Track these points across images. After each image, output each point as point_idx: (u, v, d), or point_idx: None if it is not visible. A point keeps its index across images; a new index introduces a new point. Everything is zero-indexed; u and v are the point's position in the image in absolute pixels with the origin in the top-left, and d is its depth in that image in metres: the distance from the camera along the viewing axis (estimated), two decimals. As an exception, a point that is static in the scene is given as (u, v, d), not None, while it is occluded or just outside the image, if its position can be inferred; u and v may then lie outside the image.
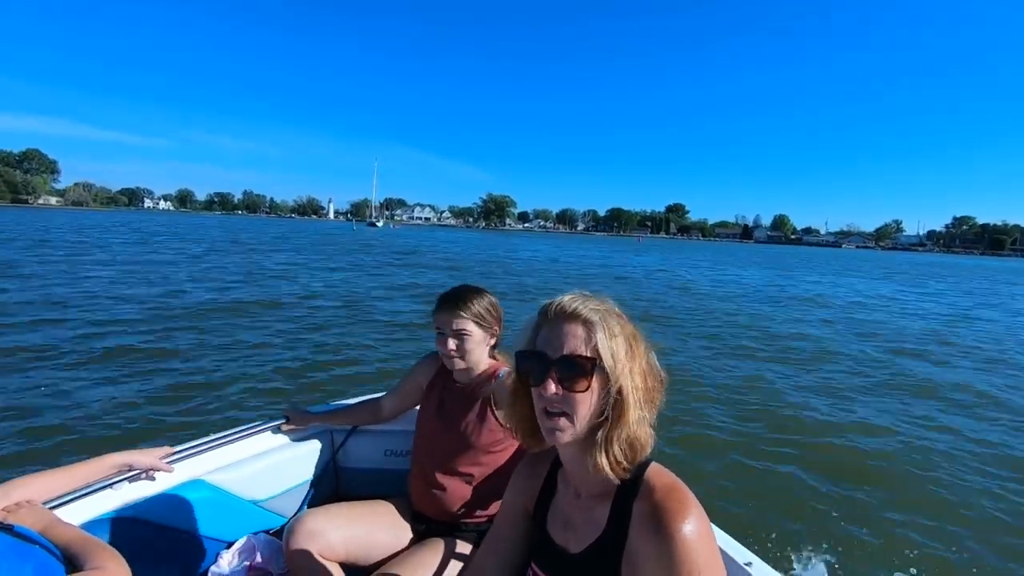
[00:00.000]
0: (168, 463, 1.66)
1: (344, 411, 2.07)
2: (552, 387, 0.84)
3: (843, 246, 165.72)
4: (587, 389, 0.83)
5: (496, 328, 1.74)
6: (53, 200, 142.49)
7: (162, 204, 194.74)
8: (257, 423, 2.01)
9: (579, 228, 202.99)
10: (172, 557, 1.61)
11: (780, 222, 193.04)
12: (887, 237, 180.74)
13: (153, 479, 1.61)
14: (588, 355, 0.83)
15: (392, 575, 1.50)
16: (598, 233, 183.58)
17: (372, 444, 2.12)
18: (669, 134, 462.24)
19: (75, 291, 10.50)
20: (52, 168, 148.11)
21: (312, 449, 2.04)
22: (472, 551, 1.64)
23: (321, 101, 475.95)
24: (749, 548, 1.39)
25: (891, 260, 68.22)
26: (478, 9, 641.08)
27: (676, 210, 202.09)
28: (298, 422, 2.02)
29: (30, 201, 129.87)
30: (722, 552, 1.08)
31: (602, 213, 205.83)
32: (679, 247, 79.83)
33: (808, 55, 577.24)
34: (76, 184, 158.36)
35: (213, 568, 1.65)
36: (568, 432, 0.85)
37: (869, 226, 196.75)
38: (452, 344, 1.66)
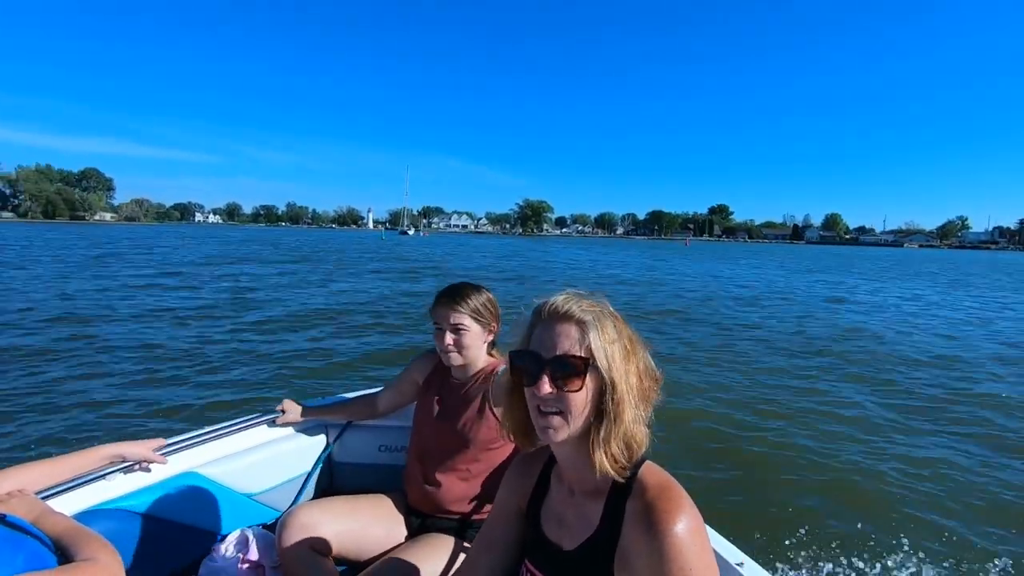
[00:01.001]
0: (161, 455, 1.66)
1: (339, 405, 2.06)
2: (546, 387, 0.84)
3: (905, 245, 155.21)
4: (580, 388, 0.84)
5: (494, 325, 1.74)
6: (108, 216, 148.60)
7: (211, 218, 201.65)
8: (252, 416, 1.98)
9: (618, 232, 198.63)
10: (165, 549, 1.60)
11: (832, 221, 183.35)
12: (952, 235, 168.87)
13: (146, 471, 1.61)
14: (582, 355, 0.84)
15: (385, 570, 1.49)
16: (638, 237, 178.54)
17: (367, 439, 2.11)
18: (710, 135, 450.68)
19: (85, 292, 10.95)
20: (108, 185, 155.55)
21: (307, 443, 2.04)
22: (466, 547, 1.61)
23: (361, 113, 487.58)
24: (740, 548, 1.39)
25: (977, 259, 62.53)
26: (513, 19, 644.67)
27: (720, 211, 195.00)
28: (293, 416, 1.99)
29: (86, 217, 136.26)
30: (713, 552, 1.05)
31: (641, 216, 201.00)
32: (728, 250, 75.58)
33: (859, 56, 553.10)
34: (131, 201, 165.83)
35: (206, 560, 1.63)
36: (562, 431, 0.86)
37: (929, 224, 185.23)
38: (450, 339, 1.66)
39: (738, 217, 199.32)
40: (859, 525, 3.24)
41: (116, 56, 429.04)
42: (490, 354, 1.78)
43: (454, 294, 1.68)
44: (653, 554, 0.78)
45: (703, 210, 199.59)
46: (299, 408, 2.02)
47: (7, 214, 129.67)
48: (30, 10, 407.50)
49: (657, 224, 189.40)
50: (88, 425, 4.15)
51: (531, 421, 0.91)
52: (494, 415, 1.66)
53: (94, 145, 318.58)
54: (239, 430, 1.91)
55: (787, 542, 3.05)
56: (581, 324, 0.86)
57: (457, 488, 1.69)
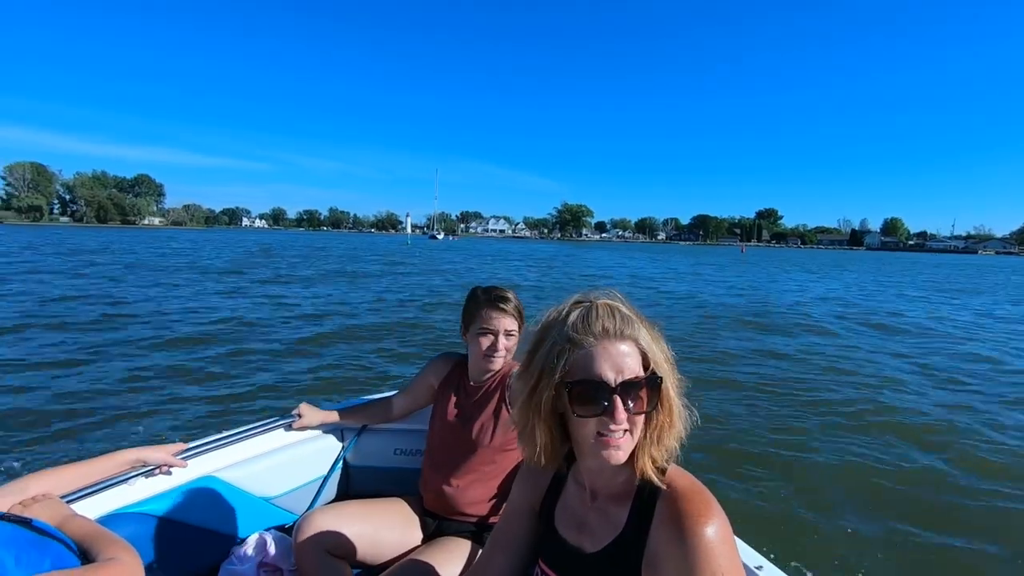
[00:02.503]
0: (181, 459, 1.68)
1: (355, 409, 2.05)
2: (621, 415, 0.80)
3: (980, 252, 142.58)
4: (648, 407, 0.83)
5: (524, 328, 1.75)
6: (156, 221, 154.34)
7: (258, 222, 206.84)
8: (268, 420, 1.99)
9: (660, 237, 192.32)
10: (184, 552, 1.63)
11: (892, 226, 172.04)
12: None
13: (166, 475, 1.64)
14: (646, 374, 0.82)
15: (402, 573, 1.49)
16: (682, 242, 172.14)
17: (382, 443, 2.12)
18: (754, 137, 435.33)
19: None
20: (159, 191, 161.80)
21: (323, 447, 2.05)
22: (482, 549, 1.63)
23: (402, 120, 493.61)
24: (759, 550, 1.39)
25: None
26: (554, 22, 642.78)
27: (768, 215, 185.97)
28: (309, 420, 1.99)
29: (136, 222, 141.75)
30: None
31: (685, 221, 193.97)
32: (791, 257, 68.95)
33: (919, 55, 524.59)
34: (182, 207, 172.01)
35: (225, 564, 1.66)
36: (626, 451, 0.83)
37: (1001, 229, 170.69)
38: (502, 343, 1.67)
39: (788, 222, 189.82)
40: (882, 532, 3.18)
41: (177, 69, 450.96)
42: None
43: (504, 299, 1.68)
44: (683, 558, 0.77)
45: (749, 214, 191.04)
46: (316, 412, 2.00)
47: (65, 219, 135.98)
48: (90, 27, 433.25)
49: (702, 229, 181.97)
50: (110, 429, 4.24)
51: (567, 443, 0.89)
52: (510, 417, 1.64)
53: (151, 154, 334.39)
54: (257, 434, 1.91)
55: (806, 546, 3.02)
56: (634, 340, 0.83)
57: (473, 490, 1.69)
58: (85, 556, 1.01)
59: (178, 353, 6.79)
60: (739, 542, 1.29)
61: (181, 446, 1.73)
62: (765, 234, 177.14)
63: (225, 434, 1.89)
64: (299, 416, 1.99)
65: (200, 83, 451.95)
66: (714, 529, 0.77)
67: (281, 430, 1.99)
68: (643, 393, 0.81)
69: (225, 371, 6.05)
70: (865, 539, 3.11)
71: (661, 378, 0.82)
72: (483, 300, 1.69)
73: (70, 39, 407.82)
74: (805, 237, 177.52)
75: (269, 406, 4.86)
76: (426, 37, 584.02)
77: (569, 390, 0.83)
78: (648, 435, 0.84)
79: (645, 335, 0.84)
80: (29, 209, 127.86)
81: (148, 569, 1.04)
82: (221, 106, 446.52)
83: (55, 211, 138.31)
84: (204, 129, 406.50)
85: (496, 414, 1.71)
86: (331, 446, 2.08)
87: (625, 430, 0.82)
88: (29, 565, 0.86)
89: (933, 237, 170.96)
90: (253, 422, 2.00)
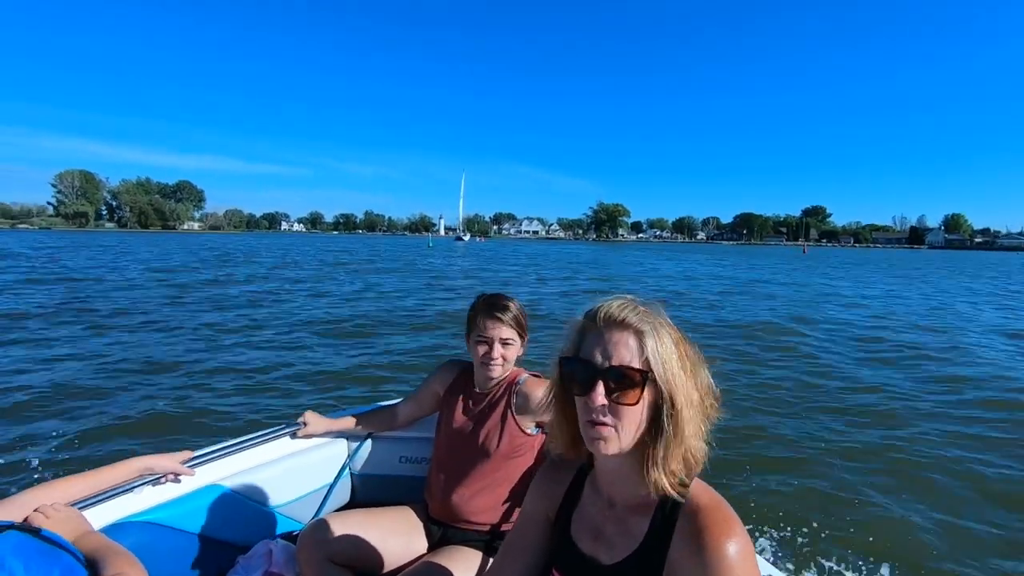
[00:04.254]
0: (187, 468, 1.69)
1: (360, 417, 2.05)
2: (600, 398, 0.80)
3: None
4: (637, 402, 0.81)
5: (526, 338, 1.75)
6: (196, 225, 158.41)
7: (296, 226, 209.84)
8: (274, 429, 1.99)
9: (699, 237, 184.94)
10: (190, 561, 1.64)
11: (954, 223, 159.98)
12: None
13: (173, 484, 1.65)
14: (639, 367, 0.80)
15: None
16: (725, 242, 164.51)
17: (387, 451, 2.12)
18: (798, 133, 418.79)
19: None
20: (199, 196, 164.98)
21: (328, 455, 2.05)
22: (488, 559, 1.63)
23: (437, 123, 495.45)
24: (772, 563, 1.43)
25: None
26: (585, 20, 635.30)
27: (815, 213, 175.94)
28: (314, 428, 1.99)
29: (176, 227, 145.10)
30: None
31: (725, 220, 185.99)
32: (854, 257, 62.81)
33: (973, 49, 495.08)
34: (224, 211, 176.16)
35: (230, 573, 1.66)
36: (613, 444, 0.82)
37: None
38: (497, 352, 1.66)
39: (838, 220, 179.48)
40: (898, 546, 3.09)
41: (229, 78, 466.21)
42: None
43: (502, 307, 1.67)
44: (704, 574, 0.76)
45: (793, 212, 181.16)
46: (321, 420, 2.00)
47: (110, 224, 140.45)
48: (144, 39, 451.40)
49: (746, 228, 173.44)
50: (114, 437, 4.27)
51: (579, 430, 0.88)
52: (517, 424, 1.67)
53: (200, 161, 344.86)
54: (262, 442, 1.91)
55: (819, 558, 2.95)
56: (639, 333, 0.82)
57: (479, 499, 1.68)
58: (92, 568, 1.01)
59: (171, 359, 6.72)
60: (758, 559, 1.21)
61: (188, 454, 1.72)
62: (813, 233, 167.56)
63: (231, 442, 1.87)
64: (304, 424, 1.97)
65: (249, 93, 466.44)
66: (736, 546, 0.76)
67: (287, 438, 1.97)
68: (631, 386, 0.80)
69: (219, 382, 5.90)
70: (889, 553, 2.98)
71: (651, 373, 0.80)
72: (481, 308, 1.69)
73: (129, 53, 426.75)
74: (859, 235, 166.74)
75: (274, 414, 4.81)
76: (463, 37, 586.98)
77: (562, 366, 0.87)
78: (656, 446, 0.82)
79: (657, 336, 0.82)
80: (75, 215, 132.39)
81: None
82: (266, 114, 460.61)
83: (103, 216, 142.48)
84: (250, 136, 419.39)
85: (503, 421, 1.69)
86: (336, 454, 2.07)
87: (609, 422, 0.81)
88: (38, 574, 0.88)
89: (999, 234, 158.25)
90: (258, 430, 1.98)
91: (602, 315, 0.84)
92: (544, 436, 1.72)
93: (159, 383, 5.76)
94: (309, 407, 2.13)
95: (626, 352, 0.81)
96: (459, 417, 1.77)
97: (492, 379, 1.72)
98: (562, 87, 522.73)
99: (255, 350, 7.50)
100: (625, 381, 0.80)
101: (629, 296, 0.87)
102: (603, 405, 0.80)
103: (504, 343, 1.66)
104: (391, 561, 1.64)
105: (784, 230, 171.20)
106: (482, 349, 1.67)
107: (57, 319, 9.31)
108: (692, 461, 0.83)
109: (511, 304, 1.69)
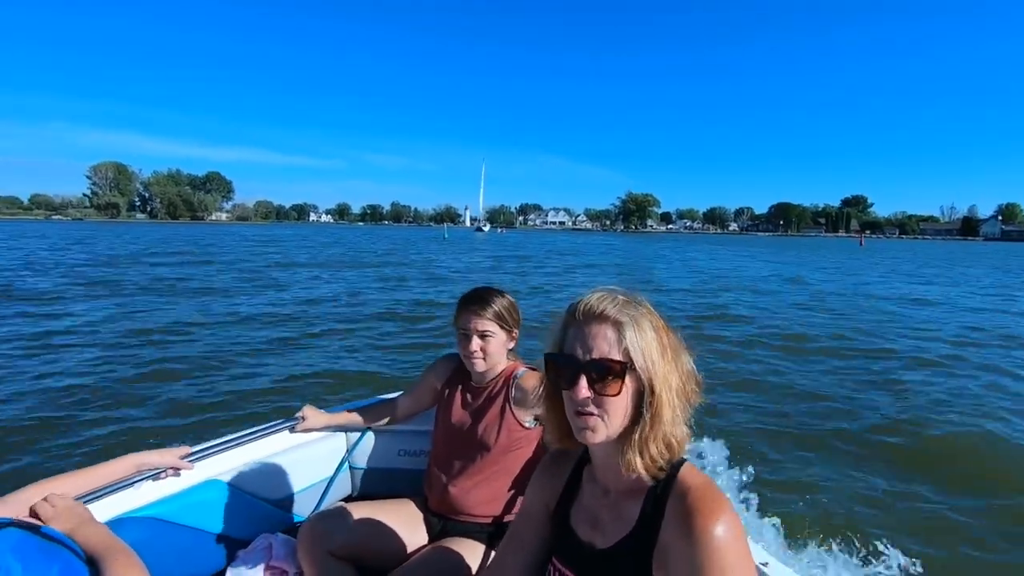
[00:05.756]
0: (187, 462, 1.69)
1: (359, 411, 2.05)
2: (584, 391, 0.83)
3: None
4: (619, 392, 0.83)
5: (515, 331, 1.75)
6: (223, 216, 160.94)
7: (324, 217, 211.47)
8: (272, 423, 2.00)
9: (731, 228, 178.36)
10: (190, 556, 1.65)
11: (1008, 212, 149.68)
12: None
13: (172, 479, 1.65)
14: (619, 358, 0.83)
15: (407, 574, 1.51)
16: (761, 233, 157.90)
17: (386, 444, 2.14)
18: (838, 120, 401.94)
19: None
20: (228, 188, 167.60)
21: (327, 449, 2.07)
22: (488, 551, 1.65)
23: (464, 113, 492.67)
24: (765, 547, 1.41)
25: None
26: (605, 3, 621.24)
27: (856, 203, 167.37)
28: (313, 422, 1.99)
29: (204, 218, 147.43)
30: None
31: (759, 210, 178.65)
32: (912, 250, 57.92)
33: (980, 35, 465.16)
34: (254, 203, 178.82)
35: (231, 567, 1.67)
36: (600, 433, 0.85)
37: None
38: (476, 345, 1.67)
39: (880, 211, 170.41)
40: (893, 531, 3.10)
41: (263, 70, 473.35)
42: (508, 358, 1.78)
43: (479, 300, 1.68)
44: (693, 554, 0.77)
45: (830, 202, 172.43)
46: (319, 414, 2.00)
47: (141, 215, 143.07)
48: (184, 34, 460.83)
49: (783, 218, 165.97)
50: (111, 433, 4.26)
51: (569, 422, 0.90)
52: (515, 418, 1.69)
53: (234, 154, 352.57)
54: (261, 437, 1.91)
55: (813, 543, 2.97)
56: (618, 325, 0.84)
57: (478, 491, 1.70)
58: (93, 564, 1.01)
59: (173, 356, 6.70)
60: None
61: (186, 449, 1.72)
62: (854, 223, 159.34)
63: (229, 437, 1.87)
64: (303, 419, 1.97)
65: (283, 86, 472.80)
66: (725, 527, 0.77)
67: (285, 432, 1.97)
68: (613, 377, 0.82)
69: (223, 375, 5.93)
70: (883, 538, 2.98)
71: (630, 363, 0.83)
72: (460, 303, 1.72)
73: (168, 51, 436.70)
74: (905, 226, 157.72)
75: (273, 408, 4.79)
76: (482, 25, 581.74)
77: (547, 361, 0.90)
78: (635, 431, 0.84)
79: (636, 327, 0.84)
80: (107, 206, 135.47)
81: (155, 574, 1.08)
82: (298, 107, 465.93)
83: (135, 207, 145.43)
84: (282, 128, 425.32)
85: (501, 415, 1.70)
86: (336, 448, 2.09)
87: (595, 413, 0.84)
88: (36, 572, 0.87)
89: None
90: (257, 425, 1.98)
91: (582, 309, 0.86)
92: (542, 429, 1.67)
93: (155, 379, 5.69)
94: (307, 401, 2.10)
95: (605, 344, 0.83)
96: (457, 411, 1.78)
97: (478, 372, 1.73)
98: (589, 69, 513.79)
99: (251, 346, 7.37)
100: (606, 373, 0.82)
101: (611, 288, 0.89)
102: (587, 397, 0.83)
103: (482, 335, 1.66)
104: (391, 554, 1.64)
105: (823, 221, 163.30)
106: (463, 342, 1.68)
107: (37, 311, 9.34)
108: (674, 445, 0.85)
109: (489, 296, 1.69)
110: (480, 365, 1.70)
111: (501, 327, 1.69)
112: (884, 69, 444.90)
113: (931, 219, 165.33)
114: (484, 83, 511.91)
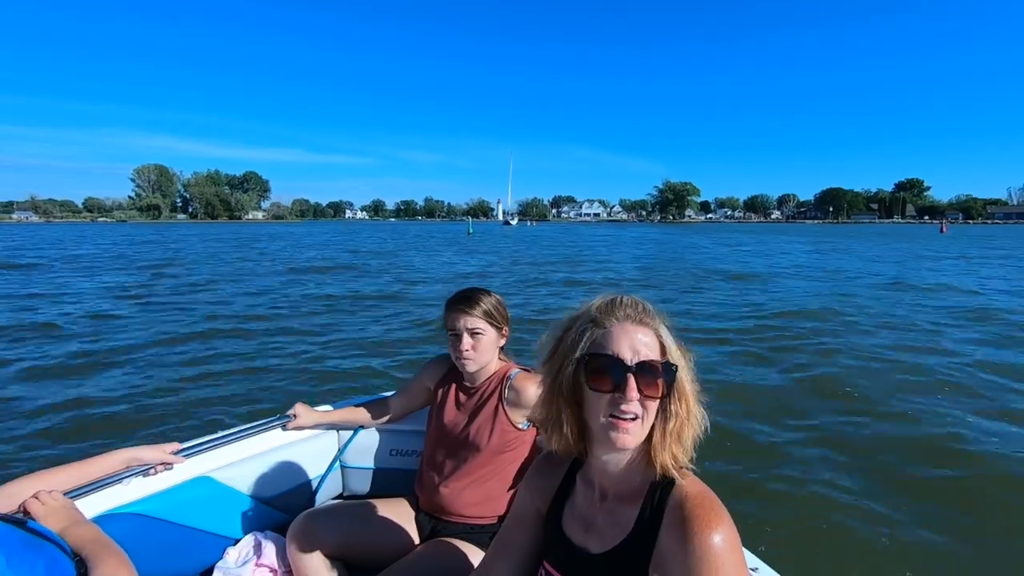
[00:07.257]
0: (176, 459, 1.68)
1: (351, 410, 2.05)
2: (634, 393, 0.82)
3: None
4: (663, 394, 0.84)
5: (505, 329, 1.74)
6: (260, 215, 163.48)
7: (359, 214, 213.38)
8: (265, 420, 1.98)
9: (774, 216, 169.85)
10: (179, 553, 1.65)
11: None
12: None
13: (161, 475, 1.64)
14: (663, 360, 0.85)
15: (397, 574, 1.51)
16: (808, 221, 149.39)
17: (378, 443, 2.13)
18: (888, 101, 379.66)
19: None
20: (265, 187, 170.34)
21: (318, 448, 2.06)
22: (478, 551, 1.64)
23: (497, 108, 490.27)
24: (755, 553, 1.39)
25: None
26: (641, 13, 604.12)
27: (911, 187, 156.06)
28: (304, 420, 1.99)
29: (241, 217, 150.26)
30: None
31: (804, 197, 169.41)
32: (1008, 235, 51.84)
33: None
34: (292, 201, 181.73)
35: (219, 564, 1.67)
36: (637, 436, 0.85)
37: None
38: (467, 344, 1.66)
39: (937, 195, 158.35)
40: (882, 537, 3.01)
41: (301, 73, 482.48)
42: (499, 358, 1.77)
43: (466, 299, 1.67)
44: (690, 563, 0.77)
45: (884, 187, 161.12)
46: (311, 412, 2.00)
47: (182, 216, 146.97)
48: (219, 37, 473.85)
49: (832, 205, 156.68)
50: (100, 428, 4.22)
51: (591, 427, 0.88)
52: (508, 419, 1.67)
53: (273, 154, 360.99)
54: (252, 434, 1.90)
55: (802, 549, 2.93)
56: (655, 328, 0.86)
57: (469, 492, 1.69)
58: (80, 563, 1.00)
59: (167, 352, 6.65)
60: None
61: (176, 446, 1.71)
62: (910, 209, 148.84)
63: (220, 434, 1.86)
64: (294, 416, 1.97)
65: (319, 87, 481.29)
66: (722, 536, 0.77)
67: (277, 430, 1.96)
68: (658, 379, 0.83)
69: (216, 371, 5.85)
70: (874, 543, 2.96)
71: (676, 366, 0.84)
72: (448, 304, 1.70)
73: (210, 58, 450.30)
74: (969, 210, 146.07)
75: (264, 406, 4.72)
76: (513, 16, 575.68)
77: (587, 363, 0.86)
78: (667, 431, 0.85)
79: (665, 328, 0.88)
80: (148, 208, 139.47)
81: (142, 571, 1.06)
82: (333, 106, 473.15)
83: (177, 208, 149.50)
84: (318, 128, 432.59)
85: (494, 416, 1.69)
86: (327, 447, 2.07)
87: (636, 416, 0.83)
88: (21, 566, 0.86)
89: None
90: (249, 422, 1.97)
91: (620, 312, 0.87)
92: (535, 431, 1.70)
93: (148, 374, 5.67)
94: (299, 399, 2.07)
95: (650, 347, 0.84)
96: (450, 411, 1.78)
97: (469, 372, 1.72)
98: (623, 60, 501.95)
99: (246, 341, 7.34)
100: (655, 375, 0.83)
101: (620, 293, 0.91)
102: (635, 400, 0.82)
103: (473, 333, 1.64)
104: (381, 553, 1.63)
105: (875, 206, 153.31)
106: (453, 342, 1.67)
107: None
108: (690, 446, 0.87)
109: (476, 294, 1.68)
110: (472, 365, 1.67)
111: (491, 324, 1.66)
112: (942, 50, 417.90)
113: (999, 202, 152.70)
114: (517, 79, 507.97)
